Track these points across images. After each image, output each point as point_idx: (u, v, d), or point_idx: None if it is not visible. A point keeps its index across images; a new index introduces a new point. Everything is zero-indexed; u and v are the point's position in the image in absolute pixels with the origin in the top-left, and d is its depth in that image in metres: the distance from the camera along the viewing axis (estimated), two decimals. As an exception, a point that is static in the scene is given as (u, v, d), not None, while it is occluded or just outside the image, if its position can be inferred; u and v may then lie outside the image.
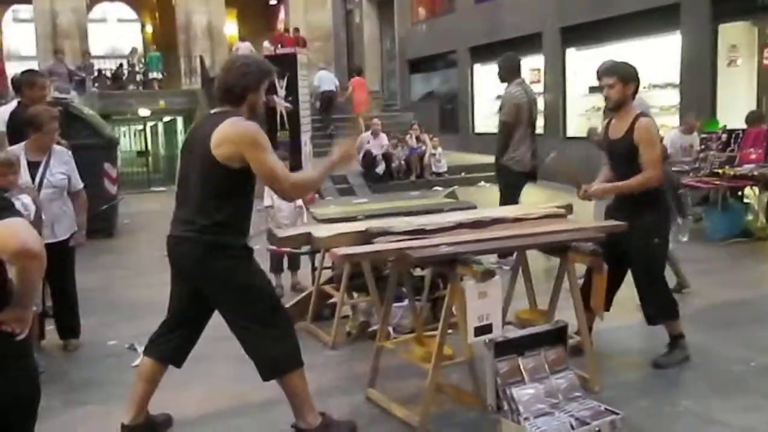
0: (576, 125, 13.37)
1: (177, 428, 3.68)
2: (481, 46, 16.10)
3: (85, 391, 4.22)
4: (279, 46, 17.60)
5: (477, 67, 16.89)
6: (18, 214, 2.24)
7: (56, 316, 4.99)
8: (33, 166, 4.61)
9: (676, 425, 3.60)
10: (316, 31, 23.51)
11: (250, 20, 27.29)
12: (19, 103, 5.73)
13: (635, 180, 4.17)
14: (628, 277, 4.38)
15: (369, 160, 13.42)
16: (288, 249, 5.32)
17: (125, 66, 22.02)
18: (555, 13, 13.66)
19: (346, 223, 4.35)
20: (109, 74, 22.24)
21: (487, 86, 15.56)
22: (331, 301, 5.38)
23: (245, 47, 18.50)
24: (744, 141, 8.63)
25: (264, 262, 4.65)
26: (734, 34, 10.52)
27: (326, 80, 17.04)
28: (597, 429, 3.17)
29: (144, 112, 21.36)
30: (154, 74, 21.23)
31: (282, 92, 12.20)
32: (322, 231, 4.02)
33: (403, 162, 13.82)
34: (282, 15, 26.23)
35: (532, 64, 14.56)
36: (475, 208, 5.30)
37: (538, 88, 14.42)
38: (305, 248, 5.16)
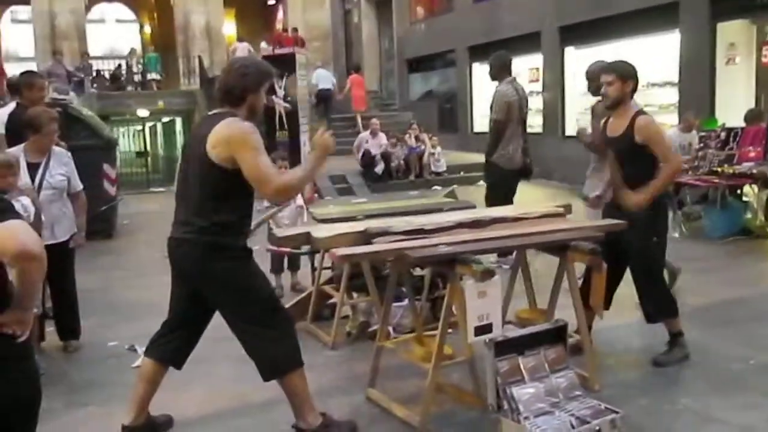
0: (575, 124, 13.36)
1: (177, 429, 3.68)
2: (480, 46, 16.09)
3: (86, 393, 4.22)
4: (278, 45, 17.61)
5: (476, 66, 16.89)
6: (18, 215, 2.24)
7: (56, 318, 4.99)
8: (32, 168, 4.61)
9: (676, 423, 3.61)
10: (315, 31, 23.51)
11: (248, 20, 27.27)
12: (17, 104, 5.72)
13: (663, 177, 4.21)
14: (628, 276, 4.38)
15: (368, 160, 13.42)
16: (288, 249, 5.32)
17: (123, 67, 22.00)
18: (554, 12, 13.66)
19: (346, 223, 4.35)
20: (107, 75, 22.23)
21: (485, 85, 15.50)
22: (331, 301, 5.38)
23: (242, 48, 18.47)
24: (743, 139, 8.63)
25: (264, 263, 4.65)
26: (733, 32, 10.52)
27: (323, 78, 17.07)
28: (597, 428, 3.17)
29: (143, 112, 21.35)
30: (153, 75, 21.22)
31: (281, 92, 12.21)
32: (321, 231, 4.02)
33: (402, 161, 13.82)
34: (280, 15, 26.24)
35: (530, 63, 14.59)
36: (474, 207, 5.31)
37: (536, 87, 14.47)
38: (305, 248, 5.16)
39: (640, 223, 4.14)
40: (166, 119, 26.89)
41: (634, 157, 4.22)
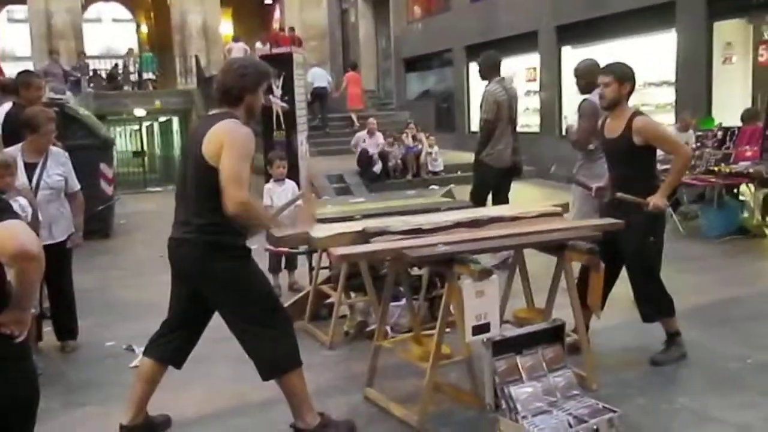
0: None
1: (176, 429, 3.68)
2: (477, 45, 16.06)
3: (84, 393, 4.22)
4: (276, 44, 17.57)
5: (473, 65, 16.86)
6: (16, 216, 2.24)
7: (53, 318, 4.98)
8: (30, 168, 4.61)
9: (673, 422, 3.61)
10: (312, 30, 23.49)
11: (245, 19, 27.24)
12: (14, 103, 5.71)
13: (676, 170, 4.27)
14: (624, 275, 4.39)
15: (365, 160, 13.40)
16: (285, 249, 5.32)
17: (120, 66, 21.97)
18: (550, 11, 13.67)
19: (344, 222, 4.35)
20: (104, 74, 22.19)
21: (483, 85, 15.53)
22: (329, 300, 5.38)
23: (238, 48, 18.45)
24: (739, 138, 8.66)
25: (262, 262, 4.65)
26: (729, 31, 10.54)
27: (319, 76, 17.06)
28: (595, 427, 3.17)
29: (140, 112, 21.33)
30: (148, 75, 21.19)
31: (278, 92, 12.19)
32: (319, 231, 4.02)
33: (399, 161, 13.80)
34: (277, 14, 26.21)
35: (527, 63, 14.60)
36: (472, 206, 5.30)
37: (533, 86, 14.47)
38: (303, 248, 5.16)
39: (638, 223, 4.15)
40: (162, 119, 26.86)
41: (631, 158, 4.22)
